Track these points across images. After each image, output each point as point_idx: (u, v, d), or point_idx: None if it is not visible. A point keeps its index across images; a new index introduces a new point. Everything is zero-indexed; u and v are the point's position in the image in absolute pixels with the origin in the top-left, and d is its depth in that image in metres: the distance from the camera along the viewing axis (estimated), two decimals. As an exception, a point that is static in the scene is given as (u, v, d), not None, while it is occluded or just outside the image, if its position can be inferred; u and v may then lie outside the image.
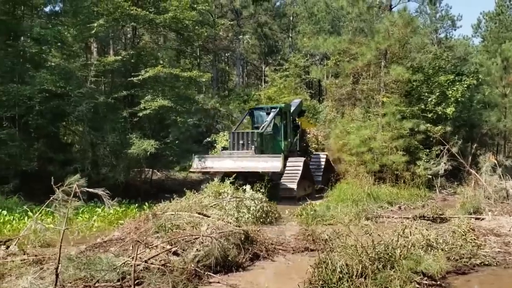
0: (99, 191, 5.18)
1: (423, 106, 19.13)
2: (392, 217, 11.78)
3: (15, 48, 18.53)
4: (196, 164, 16.77)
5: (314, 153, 21.24)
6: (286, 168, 16.59)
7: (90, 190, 5.13)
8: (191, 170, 17.50)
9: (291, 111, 19.91)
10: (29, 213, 11.47)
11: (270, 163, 15.66)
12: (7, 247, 7.84)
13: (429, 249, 7.33)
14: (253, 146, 16.42)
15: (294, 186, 16.05)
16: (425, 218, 11.11)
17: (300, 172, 16.68)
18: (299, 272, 6.76)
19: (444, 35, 42.28)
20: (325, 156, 20.17)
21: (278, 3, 45.55)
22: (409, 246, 6.90)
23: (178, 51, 27.88)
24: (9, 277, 5.90)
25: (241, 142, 16.73)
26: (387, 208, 13.57)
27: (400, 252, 6.67)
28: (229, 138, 17.54)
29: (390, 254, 6.58)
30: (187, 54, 31.02)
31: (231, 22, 37.09)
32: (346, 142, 18.69)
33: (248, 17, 40.78)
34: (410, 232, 7.48)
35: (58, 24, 20.03)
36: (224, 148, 17.92)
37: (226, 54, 44.54)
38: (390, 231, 7.63)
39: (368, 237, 6.90)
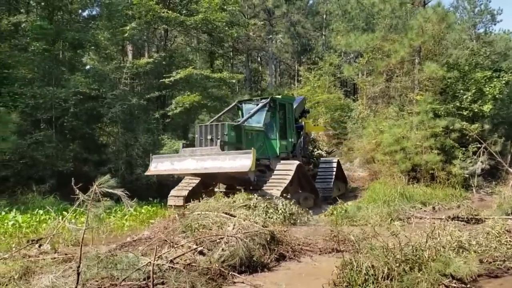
0: (119, 191, 5.24)
1: (458, 104, 18.59)
2: (425, 218, 11.46)
3: (51, 52, 19.08)
4: (154, 165, 13.73)
5: (322, 158, 18.65)
6: (275, 172, 14.36)
7: (110, 190, 5.21)
8: (146, 173, 14.42)
9: (292, 106, 17.13)
10: (64, 212, 11.80)
11: (238, 162, 12.35)
12: (40, 246, 8.06)
13: (461, 251, 7.08)
14: (219, 141, 13.13)
15: (278, 193, 13.26)
16: (459, 219, 10.76)
17: (289, 177, 13.96)
18: (324, 273, 6.66)
19: (483, 30, 41.01)
20: (335, 162, 17.67)
21: (311, 1, 45.35)
22: (439, 248, 6.69)
23: (210, 52, 28.11)
24: (40, 275, 6.03)
25: (209, 137, 13.58)
26: (420, 208, 13.23)
27: (429, 254, 6.48)
28: (196, 133, 14.28)
29: (418, 256, 6.40)
30: (217, 55, 31.23)
31: (263, 22, 37.11)
32: (379, 141, 18.38)
33: (281, 16, 40.73)
34: (440, 233, 7.27)
35: (94, 28, 20.53)
36: (187, 145, 14.43)
37: (259, 54, 44.58)
38: (419, 232, 7.43)
39: (395, 238, 6.74)
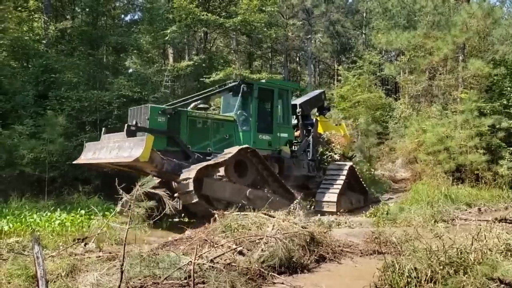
0: (160, 191, 5.35)
1: (505, 102, 17.96)
2: (470, 220, 11.13)
3: (96, 57, 19.69)
4: (83, 154, 12.05)
5: (332, 164, 15.30)
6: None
7: (151, 190, 5.32)
8: (74, 162, 12.70)
9: (290, 95, 14.49)
10: (108, 212, 12.12)
11: (127, 151, 10.29)
12: (85, 244, 8.32)
13: (509, 254, 6.83)
14: (132, 126, 10.88)
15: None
16: (507, 221, 10.38)
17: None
18: (366, 275, 6.57)
19: (534, 24, 39.26)
20: (347, 169, 14.68)
21: (350, 0, 44.83)
22: (485, 251, 6.47)
23: (249, 54, 28.26)
24: (85, 273, 6.22)
25: (134, 122, 11.34)
26: (465, 210, 12.87)
27: (475, 256, 6.28)
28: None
29: (463, 258, 6.22)
30: (256, 56, 31.36)
31: (301, 22, 36.99)
32: (422, 140, 17.98)
33: (320, 16, 40.51)
34: (487, 235, 7.03)
35: (136, 32, 21.06)
36: (109, 131, 12.15)
37: (298, 54, 44.45)
38: (464, 234, 7.21)
39: (439, 240, 6.56)
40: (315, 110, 17.04)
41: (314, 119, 15.82)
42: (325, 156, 15.29)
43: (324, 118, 16.96)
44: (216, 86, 14.73)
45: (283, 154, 13.84)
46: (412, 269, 5.94)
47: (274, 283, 6.60)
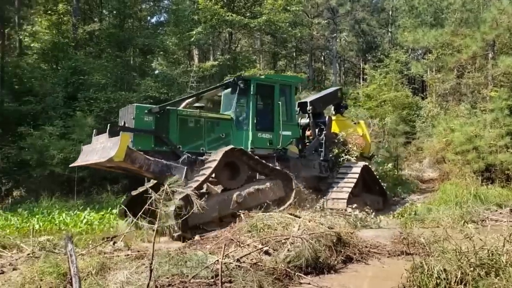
0: (188, 190, 5.40)
1: (537, 100, 17.48)
2: (501, 221, 10.88)
3: (123, 59, 20.00)
4: (80, 156, 11.60)
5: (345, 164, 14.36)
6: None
7: (180, 189, 5.37)
8: (70, 165, 12.45)
9: (293, 90, 13.38)
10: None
11: (104, 151, 10.03)
12: (114, 243, 8.47)
13: (543, 256, 6.66)
14: (115, 126, 10.67)
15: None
16: (540, 222, 10.10)
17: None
18: (393, 276, 6.49)
19: None
20: (360, 167, 13.81)
21: (376, -2, 44.44)
22: (518, 253, 6.33)
23: (273, 53, 28.26)
24: (114, 271, 6.33)
25: (122, 122, 11.05)
26: (496, 210, 12.55)
27: (507, 258, 6.14)
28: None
29: (494, 260, 6.08)
30: (281, 56, 31.32)
31: (326, 21, 36.81)
32: (450, 140, 17.67)
33: (345, 14, 40.24)
34: (519, 237, 6.86)
35: (162, 34, 21.32)
36: (99, 132, 11.37)
37: (322, 53, 44.22)
38: (495, 235, 7.05)
39: (469, 241, 6.44)
40: (332, 108, 16.36)
41: (327, 118, 14.81)
42: (340, 158, 14.48)
43: (342, 116, 16.25)
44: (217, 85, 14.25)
45: (289, 153, 13.15)
46: (441, 271, 5.85)
47: (301, 283, 6.58)
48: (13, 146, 18.14)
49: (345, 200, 12.45)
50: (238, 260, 6.72)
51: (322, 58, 45.84)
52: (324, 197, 12.87)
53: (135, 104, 11.33)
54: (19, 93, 20.29)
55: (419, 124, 24.75)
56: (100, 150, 10.21)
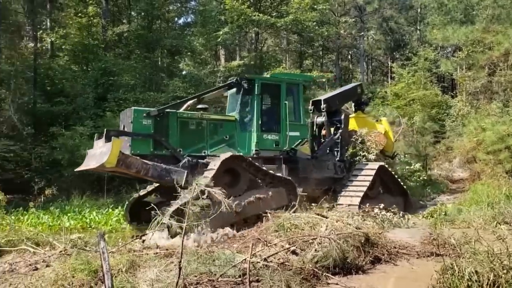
0: (216, 189, 5.44)
1: None
2: (536, 222, 10.58)
3: (151, 60, 20.28)
4: (84, 161, 11.12)
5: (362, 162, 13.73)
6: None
7: (207, 189, 5.42)
8: (75, 169, 11.56)
9: (301, 88, 12.72)
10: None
11: (97, 157, 9.94)
12: (143, 241, 8.61)
13: None
14: (112, 131, 10.32)
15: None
16: None
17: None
18: (423, 278, 6.41)
19: None
20: (376, 168, 13.10)
21: (404, -4, 43.81)
22: (553, 255, 6.15)
23: (300, 53, 28.19)
24: (144, 268, 6.44)
25: (122, 126, 11.01)
26: (530, 212, 12.21)
27: (541, 261, 5.99)
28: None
29: (528, 263, 5.94)
30: (307, 55, 31.20)
31: (354, 19, 36.51)
32: (481, 139, 17.28)
33: (373, 12, 39.84)
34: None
35: (189, 35, 21.55)
36: (100, 137, 10.73)
37: (350, 52, 43.86)
38: (530, 237, 6.89)
39: (502, 242, 6.30)
40: (352, 105, 15.75)
41: (343, 115, 14.00)
42: (357, 157, 13.80)
43: (363, 113, 15.56)
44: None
45: (299, 154, 12.70)
46: (472, 273, 5.74)
47: (328, 283, 6.56)
48: (45, 146, 18.62)
49: (357, 206, 11.69)
50: (265, 259, 6.74)
51: (349, 57, 45.46)
52: (335, 203, 12.06)
53: (133, 107, 11.12)
54: (51, 94, 20.81)
55: (449, 123, 24.31)
56: (98, 155, 10.04)
